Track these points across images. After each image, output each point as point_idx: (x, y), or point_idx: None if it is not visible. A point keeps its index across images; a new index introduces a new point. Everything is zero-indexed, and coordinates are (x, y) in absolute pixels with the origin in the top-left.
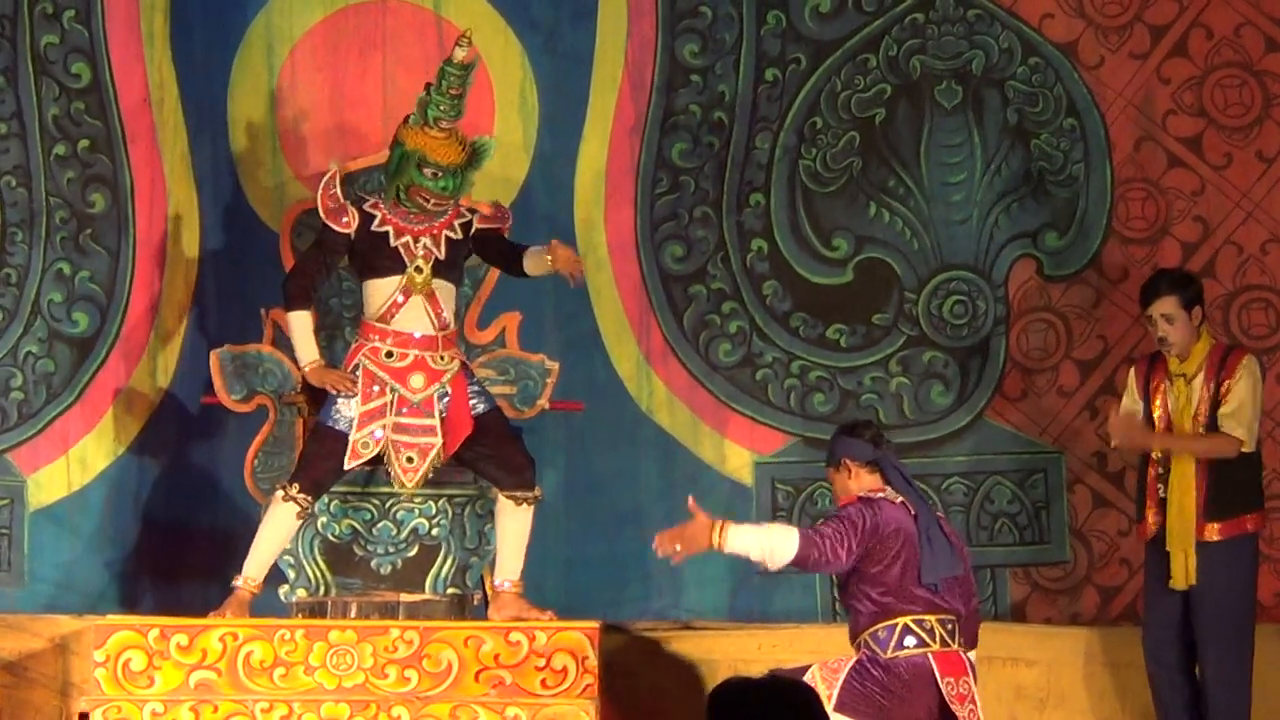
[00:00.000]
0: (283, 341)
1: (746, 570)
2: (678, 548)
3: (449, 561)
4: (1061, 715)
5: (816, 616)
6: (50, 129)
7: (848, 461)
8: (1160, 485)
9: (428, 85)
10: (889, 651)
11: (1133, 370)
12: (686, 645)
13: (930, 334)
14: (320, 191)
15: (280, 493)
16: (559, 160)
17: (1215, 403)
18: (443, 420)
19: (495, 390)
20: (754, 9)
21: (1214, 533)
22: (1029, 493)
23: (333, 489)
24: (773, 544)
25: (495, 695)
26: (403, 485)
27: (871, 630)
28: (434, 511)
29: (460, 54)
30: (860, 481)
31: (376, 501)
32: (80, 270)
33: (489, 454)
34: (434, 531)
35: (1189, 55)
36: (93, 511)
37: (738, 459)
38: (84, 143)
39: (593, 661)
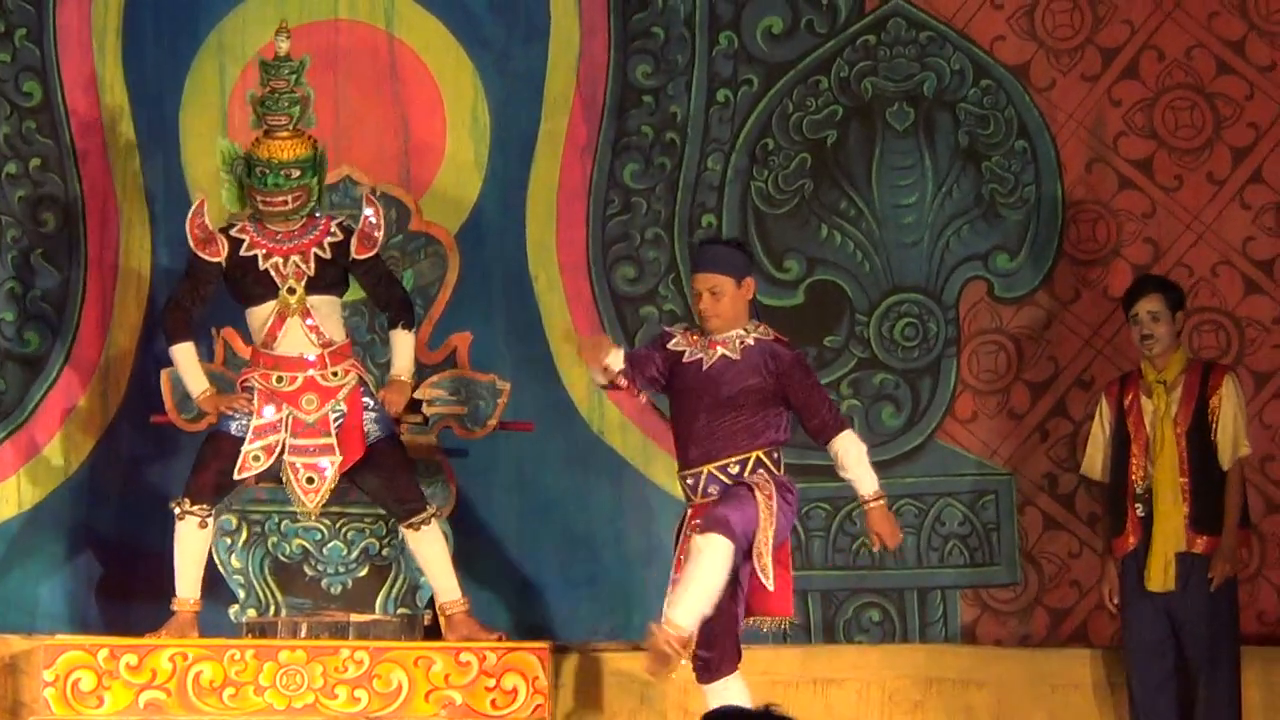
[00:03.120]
0: (234, 360)
1: None
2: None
3: (399, 581)
4: None
5: (766, 639)
6: (1, 148)
7: (752, 283)
8: (1139, 505)
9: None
10: (781, 470)
11: (1104, 397)
12: (637, 666)
13: (881, 356)
14: (188, 222)
15: (176, 510)
16: (511, 180)
17: (1200, 415)
18: (337, 436)
19: (445, 410)
20: (706, 30)
21: (1200, 545)
22: (980, 514)
23: (284, 510)
24: None
25: (445, 715)
26: (304, 507)
27: (768, 450)
28: (384, 531)
29: (283, 46)
30: (745, 310)
31: (327, 521)
32: (31, 289)
33: (379, 483)
34: (384, 551)
35: (1140, 77)
36: (43, 530)
37: None
38: (35, 161)
39: (543, 682)
